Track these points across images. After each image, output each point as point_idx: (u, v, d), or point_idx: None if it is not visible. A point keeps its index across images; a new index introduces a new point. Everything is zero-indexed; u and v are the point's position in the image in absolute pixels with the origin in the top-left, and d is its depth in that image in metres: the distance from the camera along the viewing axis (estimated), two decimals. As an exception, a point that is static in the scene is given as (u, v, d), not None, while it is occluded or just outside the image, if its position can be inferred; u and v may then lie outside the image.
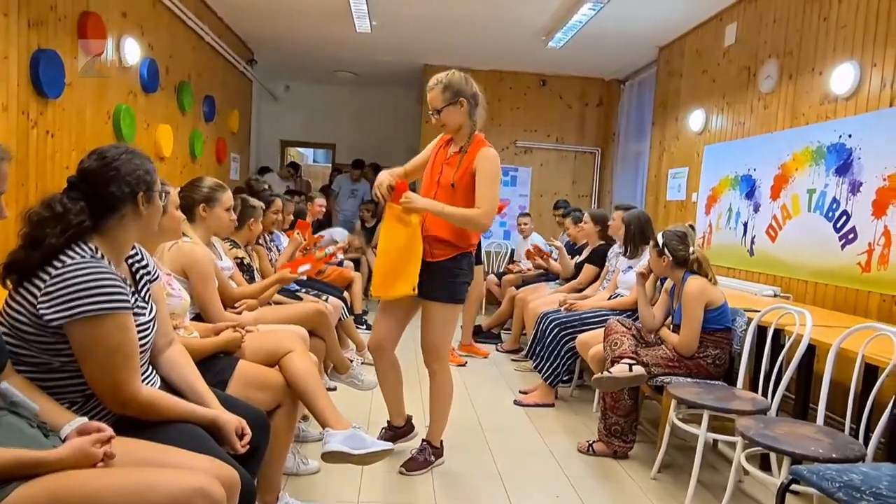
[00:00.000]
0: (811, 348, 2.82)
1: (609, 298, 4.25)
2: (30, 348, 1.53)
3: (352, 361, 3.54)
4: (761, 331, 3.10)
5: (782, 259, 4.32)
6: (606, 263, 4.63)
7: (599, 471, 3.15)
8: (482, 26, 6.16)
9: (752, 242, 4.69)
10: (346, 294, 4.91)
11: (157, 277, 1.88)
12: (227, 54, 6.64)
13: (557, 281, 5.48)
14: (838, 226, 3.79)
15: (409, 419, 3.20)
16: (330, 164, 10.71)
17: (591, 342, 3.64)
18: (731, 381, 3.14)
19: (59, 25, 3.52)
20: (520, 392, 4.31)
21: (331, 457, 2.19)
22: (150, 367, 1.80)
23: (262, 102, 9.35)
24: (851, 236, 3.68)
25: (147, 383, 1.70)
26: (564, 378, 4.11)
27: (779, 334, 3.02)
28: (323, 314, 3.27)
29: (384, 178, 2.82)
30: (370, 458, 2.23)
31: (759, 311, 3.07)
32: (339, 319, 4.23)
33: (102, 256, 1.60)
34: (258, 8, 6.03)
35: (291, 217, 4.95)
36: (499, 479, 2.98)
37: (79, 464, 1.34)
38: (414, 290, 2.71)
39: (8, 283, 1.56)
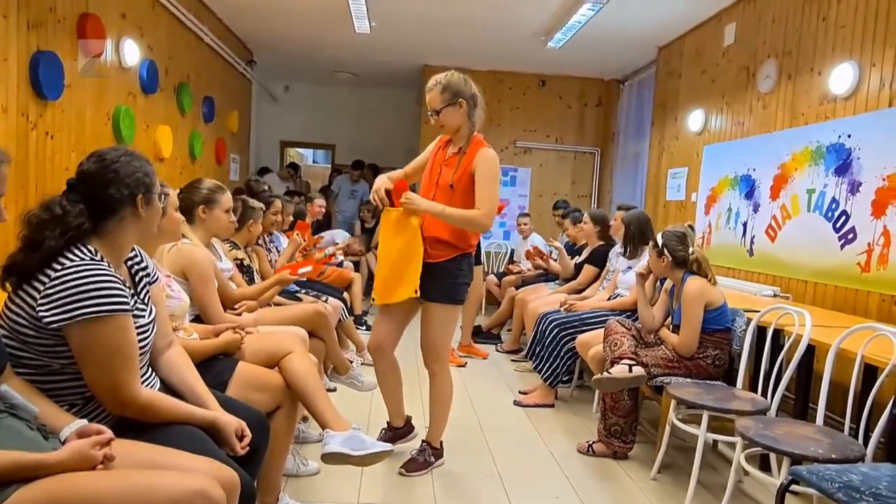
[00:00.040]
0: (811, 348, 2.82)
1: (609, 299, 4.25)
2: (29, 350, 1.53)
3: (351, 362, 3.54)
4: (761, 331, 3.10)
5: (782, 259, 4.32)
6: (607, 264, 4.63)
7: (599, 471, 3.15)
8: (481, 27, 6.16)
9: (752, 242, 4.69)
10: (345, 295, 4.91)
11: (156, 279, 1.88)
12: (227, 55, 6.64)
13: (557, 281, 5.48)
14: (838, 226, 3.79)
15: (408, 420, 3.20)
16: (329, 165, 10.72)
17: (590, 342, 3.64)
18: (731, 381, 3.14)
19: (58, 27, 3.52)
20: (519, 392, 4.31)
21: (330, 458, 2.19)
22: (150, 369, 1.80)
23: (261, 103, 9.36)
24: (851, 236, 3.68)
25: (146, 385, 1.70)
26: (564, 378, 4.11)
27: (778, 334, 3.02)
28: (322, 315, 3.27)
29: (381, 183, 2.82)
30: (370, 460, 2.23)
31: (758, 312, 3.07)
32: (339, 320, 4.23)
33: (102, 258, 1.60)
34: (257, 9, 6.03)
35: (291, 218, 4.95)
36: (498, 480, 2.98)
37: (78, 466, 1.34)
38: (416, 292, 2.71)
39: (7, 285, 1.57)
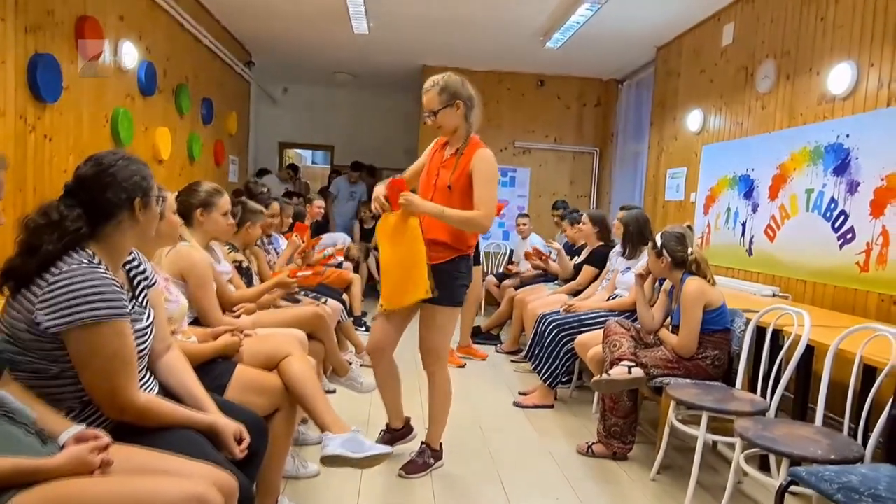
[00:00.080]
0: (810, 349, 2.82)
1: (608, 299, 4.25)
2: (28, 355, 1.53)
3: (351, 364, 3.54)
4: (760, 331, 3.10)
5: (781, 259, 4.32)
6: (607, 264, 4.62)
7: (599, 472, 3.15)
8: (480, 27, 6.16)
9: (751, 242, 4.69)
10: (344, 296, 4.91)
11: (154, 283, 1.88)
12: (225, 56, 6.64)
13: (556, 282, 5.48)
14: (836, 225, 3.79)
15: (407, 421, 3.20)
16: (329, 166, 10.72)
17: (589, 343, 3.64)
18: (730, 381, 3.14)
19: (56, 30, 3.52)
20: (519, 393, 4.31)
21: (330, 461, 2.19)
22: (148, 373, 1.80)
23: (260, 104, 9.35)
24: (850, 236, 3.68)
25: (145, 389, 1.70)
26: (563, 379, 4.12)
27: (777, 335, 3.02)
28: (321, 317, 3.27)
29: (380, 191, 2.81)
30: (369, 462, 2.23)
31: (757, 312, 3.07)
32: (338, 321, 4.23)
33: (100, 263, 1.60)
34: (256, 10, 6.03)
35: (290, 220, 4.95)
36: (498, 482, 2.98)
37: (76, 471, 1.34)
38: (428, 292, 2.68)
39: (5, 290, 1.56)
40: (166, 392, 1.83)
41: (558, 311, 4.24)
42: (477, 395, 4.28)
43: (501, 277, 6.57)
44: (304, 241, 4.51)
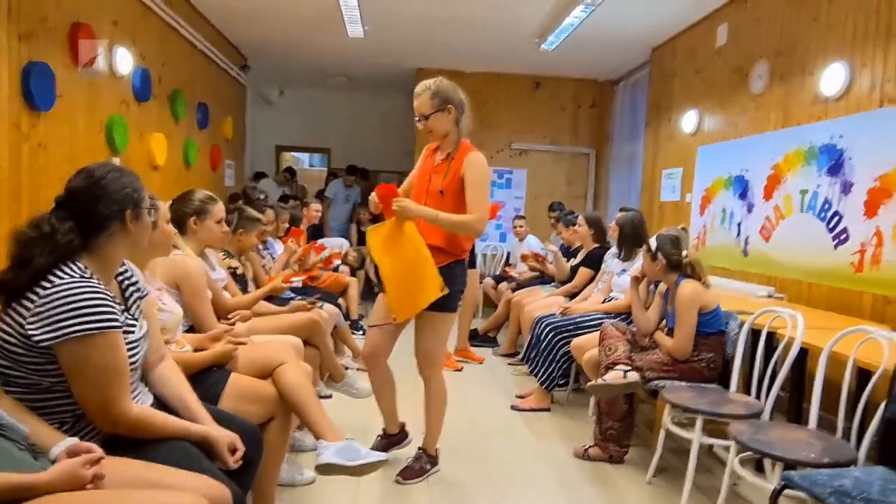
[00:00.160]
0: (803, 351, 2.83)
1: (604, 301, 4.26)
2: (19, 369, 1.53)
3: (347, 369, 3.55)
4: (755, 334, 3.10)
5: (776, 259, 4.33)
6: (602, 265, 4.63)
7: (595, 476, 3.16)
8: (475, 30, 6.16)
9: (746, 243, 4.70)
10: (341, 300, 4.91)
11: (146, 294, 1.88)
12: (220, 61, 6.63)
13: (553, 284, 5.49)
14: (831, 226, 3.80)
15: (403, 426, 3.20)
16: (326, 168, 10.72)
17: (585, 346, 3.64)
18: (726, 383, 3.14)
19: (49, 37, 3.51)
20: (516, 397, 4.32)
21: (325, 469, 2.19)
22: (142, 385, 1.80)
23: (256, 108, 9.35)
24: (844, 236, 3.69)
25: (138, 401, 1.71)
26: (560, 382, 4.12)
27: (771, 337, 3.02)
28: (317, 323, 3.27)
29: (374, 200, 2.81)
30: (365, 470, 2.24)
31: (752, 314, 3.07)
32: (335, 326, 4.23)
33: (91, 275, 1.60)
34: (251, 14, 6.02)
35: (286, 224, 4.95)
36: (495, 487, 2.99)
37: (68, 486, 1.34)
38: (443, 289, 2.66)
39: (-3, 303, 1.57)
40: (160, 403, 1.83)
41: (554, 314, 4.24)
42: (474, 399, 4.29)
43: (499, 279, 6.58)
44: (299, 246, 4.51)
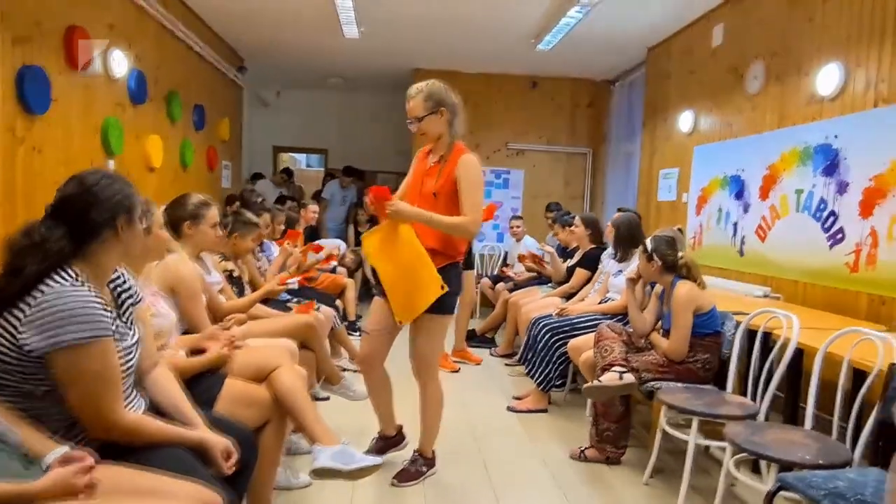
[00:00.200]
0: (799, 352, 2.83)
1: (600, 302, 4.26)
2: (12, 376, 1.53)
3: (345, 370, 3.55)
4: (751, 334, 3.11)
5: (772, 259, 4.33)
6: (599, 266, 4.63)
7: (591, 477, 3.16)
8: (471, 30, 6.16)
9: (743, 243, 4.71)
10: (338, 302, 4.91)
11: (140, 300, 1.88)
12: (217, 62, 6.63)
13: (550, 284, 5.49)
14: (826, 226, 3.80)
15: (399, 429, 3.20)
16: (323, 169, 10.72)
17: (582, 347, 3.64)
18: (722, 384, 3.15)
19: (44, 41, 3.51)
20: (513, 398, 4.31)
21: (320, 473, 2.20)
22: (135, 391, 1.79)
23: (253, 109, 9.34)
24: (839, 236, 3.69)
25: (131, 407, 1.71)
26: (557, 383, 4.12)
27: (767, 338, 3.03)
28: (312, 326, 3.27)
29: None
30: (360, 474, 2.24)
31: (747, 314, 3.08)
32: (332, 328, 4.23)
33: (84, 283, 1.60)
34: (247, 16, 6.02)
35: (282, 226, 4.94)
36: (491, 489, 2.99)
37: (61, 494, 1.33)
38: (444, 287, 2.67)
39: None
40: (154, 409, 1.83)
41: (551, 315, 4.24)
42: (471, 400, 4.29)
43: (496, 280, 6.58)
44: (296, 247, 4.51)
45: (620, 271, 4.11)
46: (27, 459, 1.42)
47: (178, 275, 2.56)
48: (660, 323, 3.38)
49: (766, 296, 4.11)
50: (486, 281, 6.67)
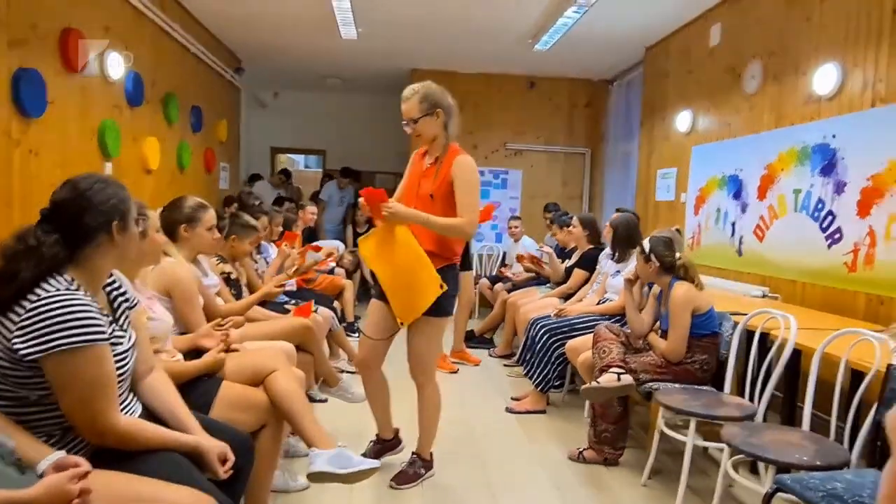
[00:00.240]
0: (797, 352, 2.83)
1: (598, 303, 4.25)
2: (5, 382, 1.53)
3: (343, 372, 3.54)
4: (748, 335, 3.10)
5: (770, 259, 4.33)
6: (597, 267, 4.63)
7: (590, 479, 3.16)
8: (469, 30, 6.16)
9: (741, 242, 4.70)
10: (336, 303, 4.91)
11: (136, 304, 1.87)
12: (214, 64, 6.62)
13: (548, 285, 5.48)
14: (824, 226, 3.80)
15: (396, 432, 3.19)
16: (321, 170, 10.72)
17: (580, 348, 3.64)
18: (720, 385, 3.14)
19: (40, 44, 3.50)
20: (511, 399, 4.31)
21: (317, 477, 2.19)
22: (131, 395, 1.79)
23: (251, 110, 9.33)
24: (837, 236, 3.69)
25: (127, 412, 1.70)
26: (555, 384, 4.12)
27: (765, 338, 3.03)
28: (309, 329, 3.26)
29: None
30: (357, 477, 2.23)
31: (745, 315, 3.08)
32: (330, 329, 4.23)
33: (78, 287, 1.59)
34: (244, 17, 6.01)
35: (279, 228, 4.94)
36: (489, 491, 2.98)
37: (55, 501, 1.32)
38: (443, 286, 2.67)
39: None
40: (150, 414, 1.82)
41: (549, 316, 4.24)
42: (469, 401, 4.28)
43: (494, 280, 6.58)
44: (294, 248, 4.50)
45: (618, 272, 4.10)
46: (21, 465, 1.41)
47: (175, 277, 2.55)
48: (658, 324, 3.37)
49: (764, 296, 4.11)
50: (484, 281, 6.66)
